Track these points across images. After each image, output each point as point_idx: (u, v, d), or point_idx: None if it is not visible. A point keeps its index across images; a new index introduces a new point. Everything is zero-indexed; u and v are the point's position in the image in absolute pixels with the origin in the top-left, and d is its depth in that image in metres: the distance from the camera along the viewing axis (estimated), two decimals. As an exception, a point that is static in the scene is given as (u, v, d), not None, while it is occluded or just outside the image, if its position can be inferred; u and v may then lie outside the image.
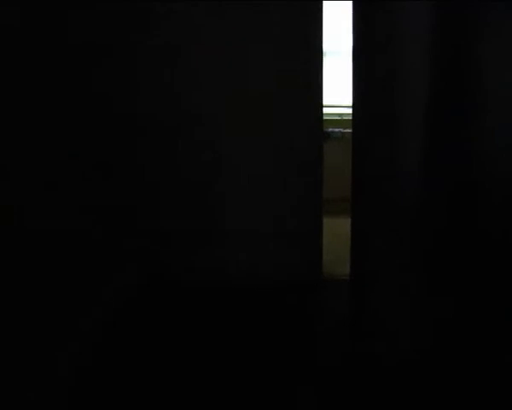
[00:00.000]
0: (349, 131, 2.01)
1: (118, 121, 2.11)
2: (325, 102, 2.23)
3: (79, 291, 1.93)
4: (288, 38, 2.05)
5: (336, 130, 3.07)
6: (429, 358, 1.65)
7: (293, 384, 1.75)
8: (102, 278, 2.11)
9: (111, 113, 2.10)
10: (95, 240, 2.09)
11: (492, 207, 1.56)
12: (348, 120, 2.05)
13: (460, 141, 1.51)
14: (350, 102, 1.73)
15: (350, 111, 2.00)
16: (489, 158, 1.52)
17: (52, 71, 1.89)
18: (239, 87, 2.10)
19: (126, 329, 2.02)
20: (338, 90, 3.16)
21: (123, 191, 2.17)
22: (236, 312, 2.09)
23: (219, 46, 2.07)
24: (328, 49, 3.45)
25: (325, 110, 2.29)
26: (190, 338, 1.97)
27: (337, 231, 2.22)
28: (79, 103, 2.03)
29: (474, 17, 1.45)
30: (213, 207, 2.20)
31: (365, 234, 1.66)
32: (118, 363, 1.86)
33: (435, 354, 1.65)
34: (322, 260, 2.20)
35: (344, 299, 1.88)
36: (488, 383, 1.63)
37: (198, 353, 1.90)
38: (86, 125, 2.06)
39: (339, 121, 3.20)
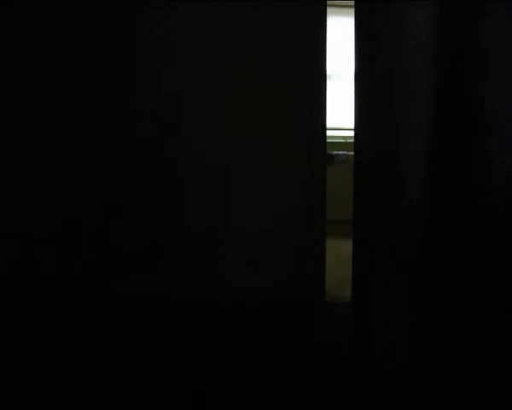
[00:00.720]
0: (353, 153, 2.00)
1: (114, 120, 2.10)
2: (330, 124, 2.23)
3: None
4: (291, 59, 2.06)
5: (341, 153, 3.08)
6: (430, 375, 1.64)
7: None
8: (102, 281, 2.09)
9: (108, 109, 2.10)
10: (94, 241, 2.08)
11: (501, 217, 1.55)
12: (352, 142, 2.05)
13: (466, 151, 1.51)
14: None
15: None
16: (497, 163, 1.52)
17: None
18: (238, 110, 2.11)
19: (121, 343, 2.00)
20: (343, 113, 3.18)
21: (120, 191, 2.15)
22: (233, 334, 2.07)
23: (219, 66, 2.08)
24: (332, 71, 3.47)
25: (330, 133, 2.29)
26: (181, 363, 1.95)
27: (341, 253, 2.21)
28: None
29: (477, 17, 1.46)
30: (213, 225, 2.19)
31: (367, 254, 1.65)
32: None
33: (436, 370, 1.63)
34: (325, 282, 2.19)
35: (347, 322, 1.86)
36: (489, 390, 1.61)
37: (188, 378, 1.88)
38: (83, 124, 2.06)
39: (343, 144, 3.21)
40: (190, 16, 2.09)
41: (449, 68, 1.50)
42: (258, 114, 2.14)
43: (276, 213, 2.17)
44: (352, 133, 2.00)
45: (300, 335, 2.09)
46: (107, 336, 2.01)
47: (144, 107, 2.11)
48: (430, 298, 1.63)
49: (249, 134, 2.14)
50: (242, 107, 2.12)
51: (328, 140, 2.31)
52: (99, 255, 2.07)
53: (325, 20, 2.08)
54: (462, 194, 1.54)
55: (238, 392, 1.80)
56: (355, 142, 1.65)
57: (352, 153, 1.94)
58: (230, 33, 2.07)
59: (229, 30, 2.07)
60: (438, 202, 1.54)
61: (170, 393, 1.77)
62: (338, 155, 3.07)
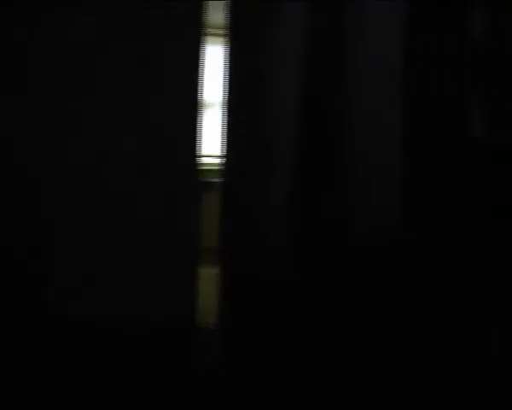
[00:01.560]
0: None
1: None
2: (209, 152, 2.25)
3: None
4: (165, 87, 2.07)
5: (219, 180, 3.09)
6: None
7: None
8: None
9: None
10: None
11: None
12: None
13: (334, 163, 1.58)
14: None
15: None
16: (366, 167, 1.59)
17: None
18: (106, 141, 2.07)
19: None
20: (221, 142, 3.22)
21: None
22: (102, 361, 2.01)
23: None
24: (210, 99, 3.50)
25: (208, 160, 2.31)
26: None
27: (214, 280, 2.22)
28: None
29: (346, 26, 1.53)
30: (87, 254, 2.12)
31: (233, 277, 1.67)
32: None
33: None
34: (197, 309, 2.18)
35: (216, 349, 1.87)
36: None
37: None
38: None
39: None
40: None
41: (315, 86, 1.58)
42: (134, 144, 2.11)
43: (148, 241, 2.14)
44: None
45: (172, 362, 2.06)
46: None
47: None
48: (301, 316, 1.66)
49: (123, 159, 2.10)
50: (115, 131, 2.08)
51: (207, 167, 2.33)
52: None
53: (203, 48, 2.12)
54: (330, 203, 1.60)
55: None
56: (224, 166, 1.68)
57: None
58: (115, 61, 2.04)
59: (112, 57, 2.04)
60: (304, 218, 1.59)
61: None
62: (216, 182, 3.08)
